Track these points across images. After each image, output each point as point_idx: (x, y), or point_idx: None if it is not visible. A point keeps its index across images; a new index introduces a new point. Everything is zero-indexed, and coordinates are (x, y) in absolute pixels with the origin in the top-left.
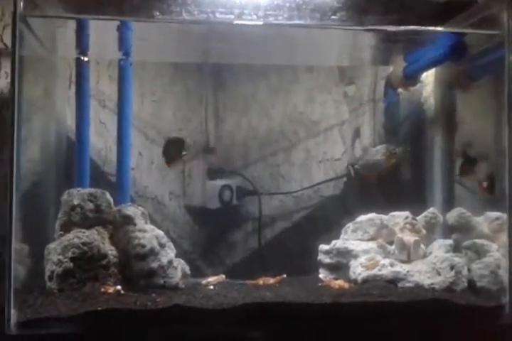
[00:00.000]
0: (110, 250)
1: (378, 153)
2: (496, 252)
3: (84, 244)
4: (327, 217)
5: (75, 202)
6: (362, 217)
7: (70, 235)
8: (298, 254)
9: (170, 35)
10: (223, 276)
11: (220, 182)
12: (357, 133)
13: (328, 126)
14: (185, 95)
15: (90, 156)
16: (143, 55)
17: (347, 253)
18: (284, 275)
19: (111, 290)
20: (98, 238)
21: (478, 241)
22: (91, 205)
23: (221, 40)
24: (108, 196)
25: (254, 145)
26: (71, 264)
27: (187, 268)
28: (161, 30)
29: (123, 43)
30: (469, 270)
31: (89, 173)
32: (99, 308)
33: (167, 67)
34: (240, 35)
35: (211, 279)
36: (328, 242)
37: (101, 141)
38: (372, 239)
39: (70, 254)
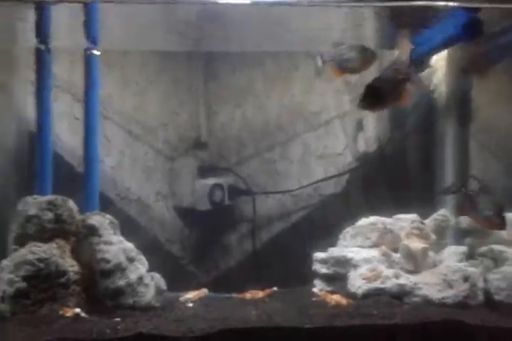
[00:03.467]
0: (71, 266)
1: (354, 49)
2: None
3: (39, 260)
4: (327, 219)
5: (31, 213)
6: (363, 221)
7: (23, 250)
8: (295, 261)
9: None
10: (205, 291)
11: (210, 181)
12: (360, 126)
13: (329, 118)
14: (172, 86)
15: (63, 156)
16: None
17: (345, 263)
18: (275, 288)
19: (69, 313)
20: (57, 252)
21: (496, 247)
22: (50, 215)
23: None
24: (71, 204)
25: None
26: (24, 284)
27: (162, 283)
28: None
29: (89, 30)
30: (485, 280)
31: (62, 176)
32: (49, 338)
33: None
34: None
35: (191, 295)
36: (327, 248)
37: (76, 139)
38: (374, 245)
39: (22, 272)
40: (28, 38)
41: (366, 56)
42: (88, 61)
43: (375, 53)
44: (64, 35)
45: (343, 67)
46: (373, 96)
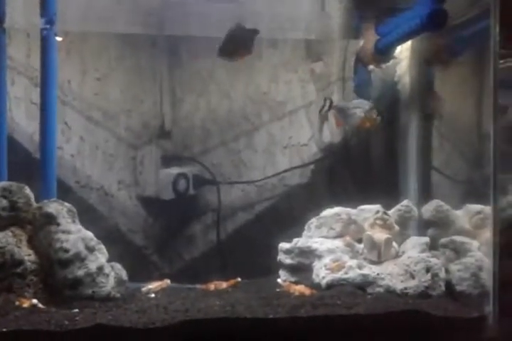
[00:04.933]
0: (28, 255)
1: (361, 106)
2: (477, 251)
3: None
4: (292, 209)
5: None
6: (327, 212)
7: None
8: (259, 252)
9: None
10: (168, 281)
11: (174, 170)
12: (325, 116)
13: (294, 108)
14: (135, 72)
15: (19, 142)
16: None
17: (310, 253)
18: (239, 279)
19: (26, 303)
20: (12, 241)
21: (458, 238)
22: (4, 202)
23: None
24: (27, 191)
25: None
26: None
27: (123, 274)
28: None
29: (46, 9)
30: (447, 271)
31: (18, 163)
32: (4, 330)
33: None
34: None
35: (153, 285)
36: (292, 239)
37: (33, 125)
38: (338, 236)
39: None
40: None
41: (370, 117)
42: (45, 42)
43: (378, 117)
44: (19, 13)
45: (345, 121)
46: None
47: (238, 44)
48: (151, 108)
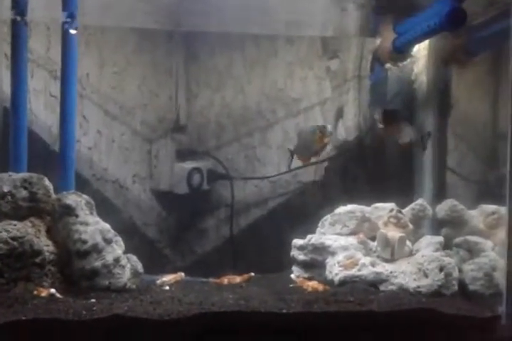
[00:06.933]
0: (46, 245)
1: (309, 134)
2: (491, 251)
3: (13, 238)
4: (306, 206)
5: (5, 189)
6: (341, 209)
7: None
8: (272, 247)
9: None
10: (182, 274)
11: (189, 165)
12: (340, 113)
13: (309, 105)
14: (152, 66)
15: (38, 134)
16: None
17: (323, 250)
18: (252, 274)
19: (44, 293)
20: (32, 231)
21: (472, 238)
22: (24, 193)
23: None
24: (46, 182)
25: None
26: None
27: (139, 266)
28: None
29: (67, 3)
30: (460, 271)
31: (37, 154)
32: (23, 318)
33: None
34: None
35: (167, 278)
36: (306, 234)
37: (52, 117)
38: (352, 233)
39: None
40: (3, 9)
41: (322, 138)
42: (66, 36)
43: (330, 130)
44: (41, 7)
45: (307, 154)
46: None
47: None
48: (167, 102)
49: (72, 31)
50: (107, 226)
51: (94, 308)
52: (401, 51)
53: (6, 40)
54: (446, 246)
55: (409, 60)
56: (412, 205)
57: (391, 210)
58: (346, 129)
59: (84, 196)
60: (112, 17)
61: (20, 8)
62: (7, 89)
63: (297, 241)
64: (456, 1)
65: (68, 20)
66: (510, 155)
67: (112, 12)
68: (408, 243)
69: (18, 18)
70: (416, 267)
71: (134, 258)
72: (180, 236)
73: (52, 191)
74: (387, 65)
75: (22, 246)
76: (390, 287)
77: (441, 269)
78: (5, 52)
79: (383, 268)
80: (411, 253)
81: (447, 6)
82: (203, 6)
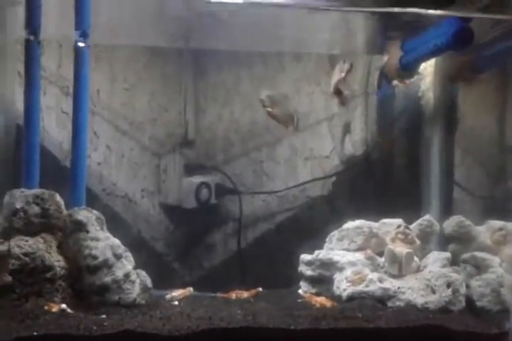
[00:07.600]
0: (57, 261)
1: None
2: (498, 268)
3: (25, 254)
4: (313, 221)
5: (18, 206)
6: (349, 224)
7: (9, 244)
8: (280, 262)
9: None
10: (191, 289)
11: (197, 179)
12: (347, 129)
13: (316, 120)
14: (161, 82)
15: (49, 150)
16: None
17: (331, 265)
18: (260, 289)
19: (55, 308)
20: (43, 247)
21: (479, 254)
22: (36, 209)
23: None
24: (58, 198)
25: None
26: (9, 277)
27: (148, 281)
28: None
29: (80, 22)
30: (468, 286)
31: (48, 170)
32: (35, 333)
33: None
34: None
35: (176, 293)
36: (313, 250)
37: (63, 133)
38: (359, 249)
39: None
40: (17, 29)
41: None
42: (78, 54)
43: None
44: (53, 25)
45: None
46: None
47: None
48: (176, 117)
49: (85, 49)
50: (117, 241)
51: (105, 324)
52: (408, 69)
53: (19, 59)
54: (454, 262)
55: (416, 77)
56: (419, 221)
57: (398, 226)
58: (353, 144)
59: (95, 211)
60: (124, 36)
61: (34, 28)
62: (20, 106)
63: (305, 257)
64: (463, 21)
65: (81, 39)
66: None
67: (123, 31)
68: (416, 259)
69: (32, 38)
70: (423, 283)
71: (143, 273)
72: (189, 251)
73: (63, 207)
74: (395, 82)
75: (34, 262)
76: (398, 303)
77: (448, 285)
78: (18, 70)
79: (391, 284)
80: (418, 269)
81: (455, 25)
82: (210, 24)
